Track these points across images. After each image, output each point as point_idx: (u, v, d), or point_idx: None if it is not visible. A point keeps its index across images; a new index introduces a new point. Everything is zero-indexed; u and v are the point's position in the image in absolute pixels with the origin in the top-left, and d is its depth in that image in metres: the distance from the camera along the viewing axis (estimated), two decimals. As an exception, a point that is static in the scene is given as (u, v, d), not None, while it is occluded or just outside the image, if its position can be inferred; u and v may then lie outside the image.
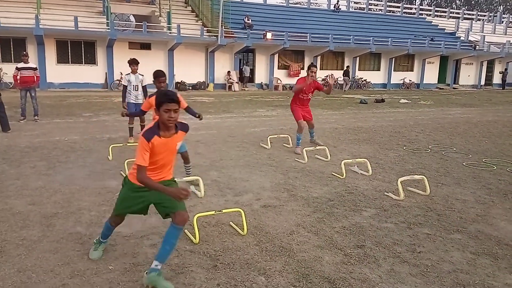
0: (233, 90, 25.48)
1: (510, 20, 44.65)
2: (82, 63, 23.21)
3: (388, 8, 38.71)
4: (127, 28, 23.70)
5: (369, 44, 28.79)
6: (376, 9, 41.63)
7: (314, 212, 4.67)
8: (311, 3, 35.66)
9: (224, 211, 4.24)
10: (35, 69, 11.07)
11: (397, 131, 10.74)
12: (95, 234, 3.94)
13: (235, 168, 6.51)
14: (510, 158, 7.78)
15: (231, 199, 5.07)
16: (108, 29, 22.46)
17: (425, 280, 3.24)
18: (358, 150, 8.15)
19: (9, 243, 3.72)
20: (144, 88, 8.47)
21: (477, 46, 35.04)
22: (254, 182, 5.79)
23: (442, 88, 33.51)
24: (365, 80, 30.21)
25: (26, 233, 3.92)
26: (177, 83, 24.78)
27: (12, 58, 21.15)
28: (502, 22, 43.53)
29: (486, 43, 35.68)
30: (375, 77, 31.17)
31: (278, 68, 28.35)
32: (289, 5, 33.98)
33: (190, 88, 24.76)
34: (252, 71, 27.83)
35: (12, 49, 21.54)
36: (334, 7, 34.66)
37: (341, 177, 6.11)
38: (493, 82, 37.66)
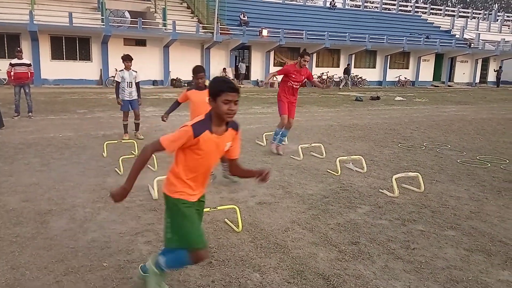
0: (228, 87, 25.40)
1: (505, 18, 44.84)
2: (77, 59, 23.08)
3: (384, 6, 38.75)
4: (122, 24, 23.58)
5: (364, 41, 28.83)
6: (372, 6, 41.66)
7: (309, 209, 4.68)
8: (307, 0, 35.61)
9: (219, 208, 4.24)
10: (29, 65, 10.99)
11: (392, 129, 10.77)
12: (89, 231, 3.93)
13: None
14: (504, 155, 7.82)
15: (226, 196, 5.06)
16: (103, 25, 22.33)
17: (419, 277, 3.26)
18: (353, 147, 8.16)
19: (3, 240, 3.69)
20: (137, 85, 8.36)
21: (472, 44, 35.19)
22: (249, 179, 5.78)
23: (437, 86, 33.64)
24: (360, 77, 30.27)
25: (20, 230, 3.90)
26: (172, 79, 24.72)
27: (6, 54, 21.01)
28: (497, 20, 43.70)
29: (481, 41, 35.83)
30: (370, 74, 31.24)
31: (274, 65, 28.32)
32: (285, 2, 33.93)
33: (186, 85, 24.68)
34: (248, 68, 27.80)
35: (6, 45, 21.38)
36: (330, 4, 34.66)
37: (336, 174, 6.12)
38: (488, 80, 37.84)
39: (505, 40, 36.41)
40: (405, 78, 32.69)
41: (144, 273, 2.89)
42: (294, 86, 7.21)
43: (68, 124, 10.11)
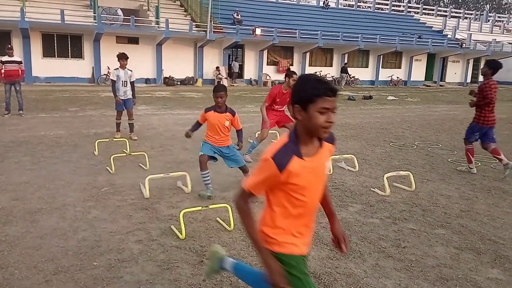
0: (221, 85, 25.37)
1: (496, 18, 45.26)
2: (69, 57, 22.88)
3: (376, 6, 38.90)
4: (115, 22, 23.41)
5: (357, 41, 28.92)
6: (365, 6, 41.79)
7: (301, 208, 4.68)
8: (300, -1, 35.68)
9: (211, 206, 4.23)
10: (20, 62, 10.88)
11: (384, 128, 10.82)
12: (79, 230, 3.91)
13: (222, 164, 6.47)
14: (494, 154, 7.89)
15: (218, 194, 5.05)
16: (95, 22, 22.16)
17: (409, 275, 3.28)
18: (345, 146, 8.19)
19: (-8, 239, 3.66)
20: (132, 84, 8.24)
21: (464, 44, 35.46)
22: (241, 177, 5.77)
23: (429, 85, 33.86)
24: (353, 76, 30.38)
25: (9, 229, 3.86)
26: (165, 78, 24.61)
27: (-4, 51, 20.76)
28: (489, 20, 44.09)
29: (473, 41, 36.11)
30: (363, 73, 31.35)
31: (267, 64, 28.33)
32: (279, 1, 33.91)
33: (179, 83, 24.61)
34: (241, 67, 27.77)
35: (-4, 42, 21.14)
36: (323, 3, 34.72)
37: (328, 173, 6.13)
38: (479, 80, 38.13)
39: (496, 40, 36.74)
40: (398, 77, 32.86)
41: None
42: (279, 109, 6.91)
43: (59, 122, 10.03)
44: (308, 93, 1.79)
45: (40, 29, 21.51)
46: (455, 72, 36.67)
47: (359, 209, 4.71)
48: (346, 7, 38.30)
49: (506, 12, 62.76)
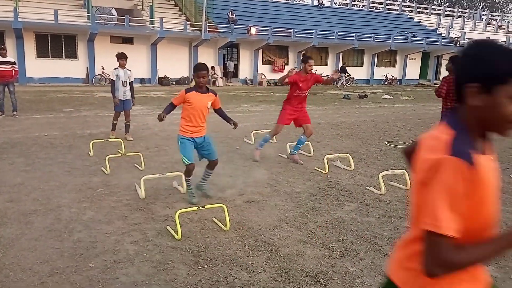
0: (217, 85, 25.36)
1: (490, 17, 45.51)
2: (63, 57, 22.75)
3: (371, 5, 39.00)
4: (109, 22, 23.31)
5: (352, 40, 28.97)
6: (360, 5, 41.88)
7: (297, 207, 4.69)
8: (295, -2, 35.70)
9: (206, 206, 4.22)
10: (13, 63, 10.80)
11: (379, 126, 10.86)
12: (75, 231, 3.89)
13: (218, 164, 6.48)
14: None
15: (214, 194, 5.05)
16: (89, 22, 22.05)
17: (405, 273, 3.29)
18: (340, 145, 8.21)
19: (-14, 241, 3.63)
20: (131, 84, 8.16)
21: (458, 43, 35.63)
22: (237, 177, 5.78)
23: (424, 84, 34.00)
24: (348, 75, 30.45)
25: (4, 231, 3.84)
26: (160, 78, 24.54)
27: (-10, 52, 20.60)
28: (482, 19, 44.33)
29: (467, 39, 36.27)
30: (358, 72, 31.42)
31: (262, 64, 28.32)
32: (273, 0, 33.93)
33: (174, 83, 24.54)
34: (236, 66, 27.74)
35: (-11, 42, 20.99)
36: (318, 2, 34.77)
37: (324, 172, 6.15)
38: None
39: (490, 39, 36.93)
40: (392, 76, 32.96)
41: None
42: (301, 95, 6.68)
43: (53, 123, 9.97)
44: (500, 68, 1.20)
45: (33, 29, 21.37)
46: (449, 71, 36.80)
47: (355, 208, 4.72)
48: (341, 6, 38.37)
49: (500, 10, 63.16)
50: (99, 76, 22.66)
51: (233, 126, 5.04)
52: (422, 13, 42.32)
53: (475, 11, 48.32)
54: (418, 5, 44.30)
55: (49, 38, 22.24)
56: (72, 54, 22.94)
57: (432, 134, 1.31)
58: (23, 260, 3.32)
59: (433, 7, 45.53)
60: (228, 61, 27.32)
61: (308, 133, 6.77)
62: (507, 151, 8.13)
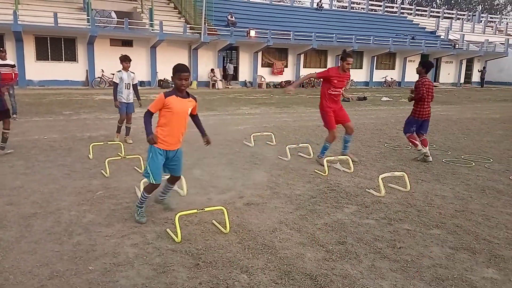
0: (216, 88, 25.39)
1: (488, 19, 45.63)
2: (62, 60, 22.78)
3: (370, 7, 39.10)
4: (109, 25, 23.35)
5: (351, 42, 29.03)
6: (358, 7, 42.01)
7: (297, 209, 4.69)
8: (294, 1, 35.77)
9: (206, 209, 4.22)
10: (13, 66, 10.81)
11: (379, 129, 10.86)
12: (74, 234, 3.88)
13: (218, 166, 6.50)
14: (488, 154, 7.95)
15: (213, 197, 5.05)
16: (89, 25, 22.09)
17: (405, 275, 3.29)
18: (340, 148, 8.19)
19: (-15, 244, 3.62)
20: (135, 86, 8.08)
21: (457, 45, 35.71)
22: (237, 180, 5.78)
23: (423, 86, 34.00)
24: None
25: (3, 234, 3.83)
26: (160, 80, 24.57)
27: (-11, 55, 20.60)
28: (481, 21, 44.44)
29: (465, 41, 36.37)
30: (357, 75, 31.48)
31: (262, 66, 28.37)
32: (272, 2, 34.02)
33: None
34: (236, 69, 27.78)
35: (-11, 45, 20.99)
36: (317, 5, 34.85)
37: (324, 174, 6.15)
38: (472, 80, 38.43)
39: (489, 41, 37.03)
40: (392, 78, 33.03)
41: None
42: (336, 93, 6.51)
43: (53, 126, 9.98)
44: None
45: (33, 32, 21.41)
46: (449, 73, 36.90)
47: (355, 210, 4.72)
48: (340, 9, 38.47)
49: (498, 12, 63.33)
50: (99, 79, 22.68)
51: (205, 143, 4.44)
52: (421, 15, 42.45)
53: (474, 13, 48.49)
54: (417, 8, 44.46)
55: (48, 41, 22.27)
56: (71, 57, 22.98)
57: None
58: (22, 263, 3.32)
59: (432, 9, 45.62)
60: (228, 63, 27.37)
61: (350, 131, 6.80)
62: (506, 153, 8.13)
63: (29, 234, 3.85)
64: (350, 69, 6.71)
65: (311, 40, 27.64)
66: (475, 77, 38.20)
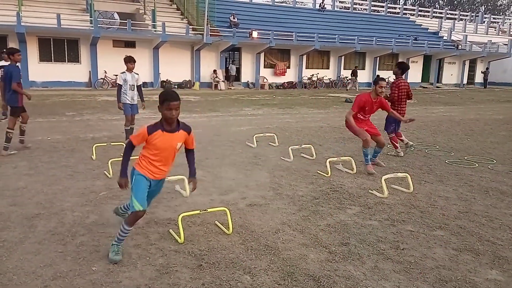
0: (219, 88, 25.41)
1: (491, 20, 45.52)
2: (65, 61, 22.87)
3: (372, 8, 39.09)
4: (111, 26, 23.43)
5: (354, 43, 29.03)
6: (361, 8, 41.97)
7: (300, 210, 4.69)
8: (296, 2, 35.79)
9: (209, 210, 4.22)
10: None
11: (381, 130, 10.81)
12: (78, 235, 3.89)
13: (220, 167, 6.50)
14: (491, 155, 7.93)
15: (216, 198, 5.05)
16: (92, 27, 22.17)
17: (408, 277, 3.28)
18: (343, 149, 8.20)
19: (-11, 245, 3.64)
20: (140, 87, 8.02)
21: (460, 46, 35.64)
22: (239, 181, 5.78)
23: (426, 87, 33.99)
24: (350, 78, 30.48)
25: (7, 235, 3.85)
26: (162, 81, 24.62)
27: (-7, 56, 20.70)
28: (484, 22, 44.34)
29: (468, 42, 36.30)
30: (360, 76, 31.46)
31: (264, 67, 28.39)
32: (275, 4, 34.05)
33: (176, 87, 24.62)
34: (238, 70, 27.81)
35: (-8, 47, 21.09)
36: (319, 6, 34.86)
37: (326, 175, 6.14)
38: (475, 81, 38.34)
39: (492, 41, 36.94)
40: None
41: None
42: (365, 118, 6.55)
43: (56, 127, 10.01)
44: None
45: (36, 34, 21.50)
46: (452, 74, 36.83)
47: (358, 211, 4.71)
48: (342, 10, 38.48)
49: (501, 13, 63.17)
50: (102, 80, 22.75)
51: (190, 186, 3.81)
52: (424, 16, 42.39)
53: (477, 14, 48.38)
54: (420, 8, 44.38)
55: (51, 42, 22.36)
56: (74, 58, 23.06)
57: None
58: (26, 264, 3.33)
59: (434, 10, 45.55)
60: (230, 64, 27.40)
61: (381, 145, 6.64)
62: (510, 154, 8.11)
63: (33, 235, 3.86)
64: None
65: (313, 41, 27.64)
66: (478, 78, 38.12)
